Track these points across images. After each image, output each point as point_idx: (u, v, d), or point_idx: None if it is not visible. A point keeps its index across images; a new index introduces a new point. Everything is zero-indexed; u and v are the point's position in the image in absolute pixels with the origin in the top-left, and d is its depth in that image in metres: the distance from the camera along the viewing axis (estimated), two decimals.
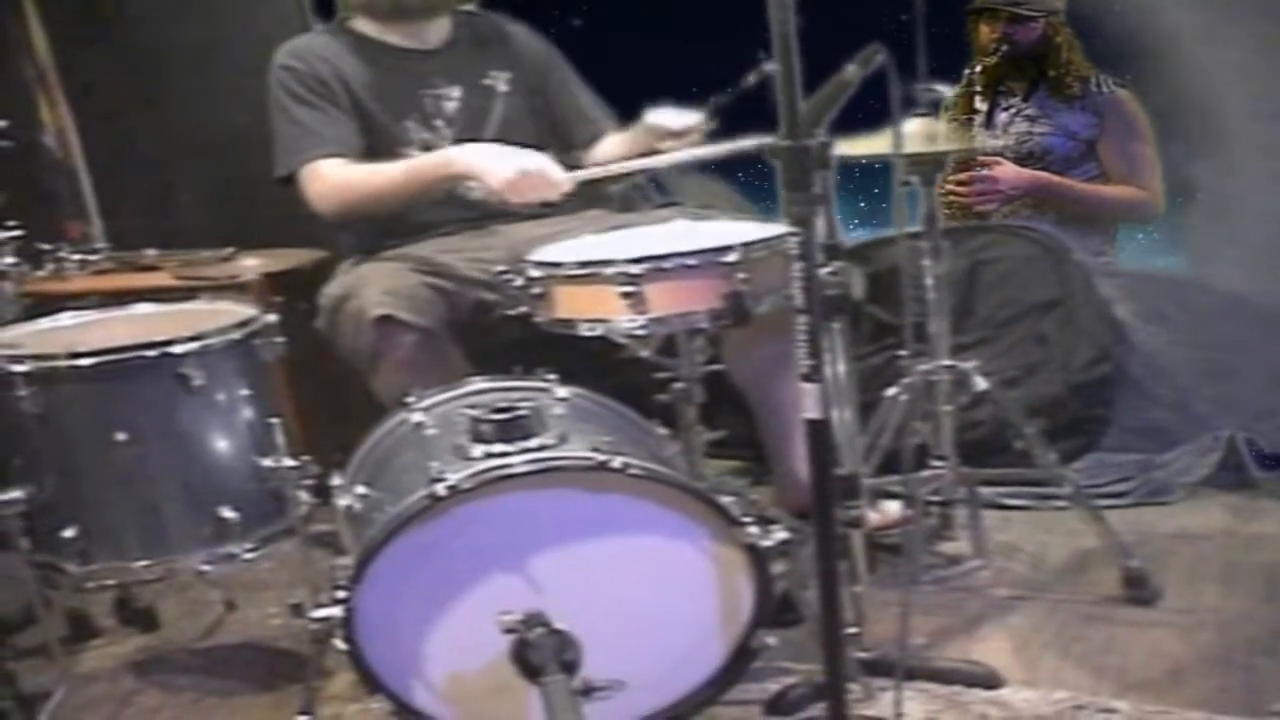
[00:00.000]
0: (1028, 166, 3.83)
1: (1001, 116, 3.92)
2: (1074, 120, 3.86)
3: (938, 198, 2.68)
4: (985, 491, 2.93)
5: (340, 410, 3.25)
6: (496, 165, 2.63)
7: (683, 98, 2.73)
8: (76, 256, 3.42)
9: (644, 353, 2.43)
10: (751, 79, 2.01)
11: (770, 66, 1.80)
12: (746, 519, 2.06)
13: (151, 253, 3.48)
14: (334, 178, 2.81)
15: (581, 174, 2.71)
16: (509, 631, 1.82)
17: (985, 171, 3.80)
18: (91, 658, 2.69)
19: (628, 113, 2.99)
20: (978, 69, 3.89)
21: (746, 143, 2.36)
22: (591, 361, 2.53)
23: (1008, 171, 3.79)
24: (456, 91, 2.98)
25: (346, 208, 2.83)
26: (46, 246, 3.34)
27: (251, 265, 3.27)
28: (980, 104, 3.93)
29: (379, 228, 2.87)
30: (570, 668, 1.78)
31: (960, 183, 3.84)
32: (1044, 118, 3.87)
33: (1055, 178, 3.82)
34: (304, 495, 2.37)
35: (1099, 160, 3.88)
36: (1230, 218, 3.97)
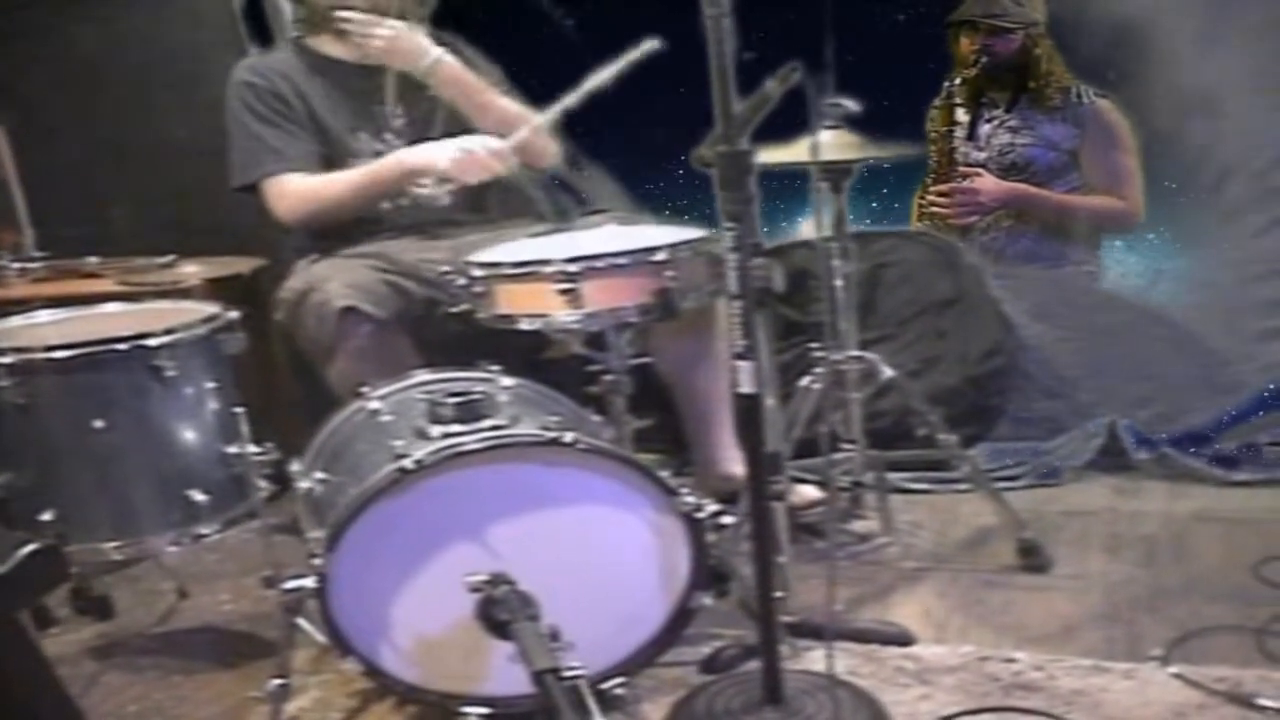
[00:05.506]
0: (1011, 178, 3.93)
1: (984, 128, 4.00)
2: (1055, 131, 3.93)
3: (857, 205, 2.87)
4: (892, 477, 3.15)
5: (277, 405, 3.39)
6: (441, 152, 2.90)
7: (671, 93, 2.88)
8: (16, 265, 3.51)
9: (576, 347, 2.62)
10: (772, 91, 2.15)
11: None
12: (683, 489, 2.25)
13: (93, 260, 3.57)
14: (297, 190, 3.00)
15: (519, 134, 2.92)
16: (475, 591, 1.96)
17: (965, 184, 3.91)
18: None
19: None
20: (958, 81, 3.99)
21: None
22: (519, 360, 2.70)
23: (987, 183, 3.91)
24: (402, 104, 3.14)
25: (311, 216, 3.02)
26: None
27: (193, 271, 3.40)
28: (962, 116, 4.01)
29: (330, 231, 3.03)
30: (534, 620, 1.93)
31: (941, 194, 3.96)
32: (1026, 129, 3.95)
33: (1034, 189, 3.91)
34: (262, 482, 2.49)
35: (1081, 170, 3.97)
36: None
